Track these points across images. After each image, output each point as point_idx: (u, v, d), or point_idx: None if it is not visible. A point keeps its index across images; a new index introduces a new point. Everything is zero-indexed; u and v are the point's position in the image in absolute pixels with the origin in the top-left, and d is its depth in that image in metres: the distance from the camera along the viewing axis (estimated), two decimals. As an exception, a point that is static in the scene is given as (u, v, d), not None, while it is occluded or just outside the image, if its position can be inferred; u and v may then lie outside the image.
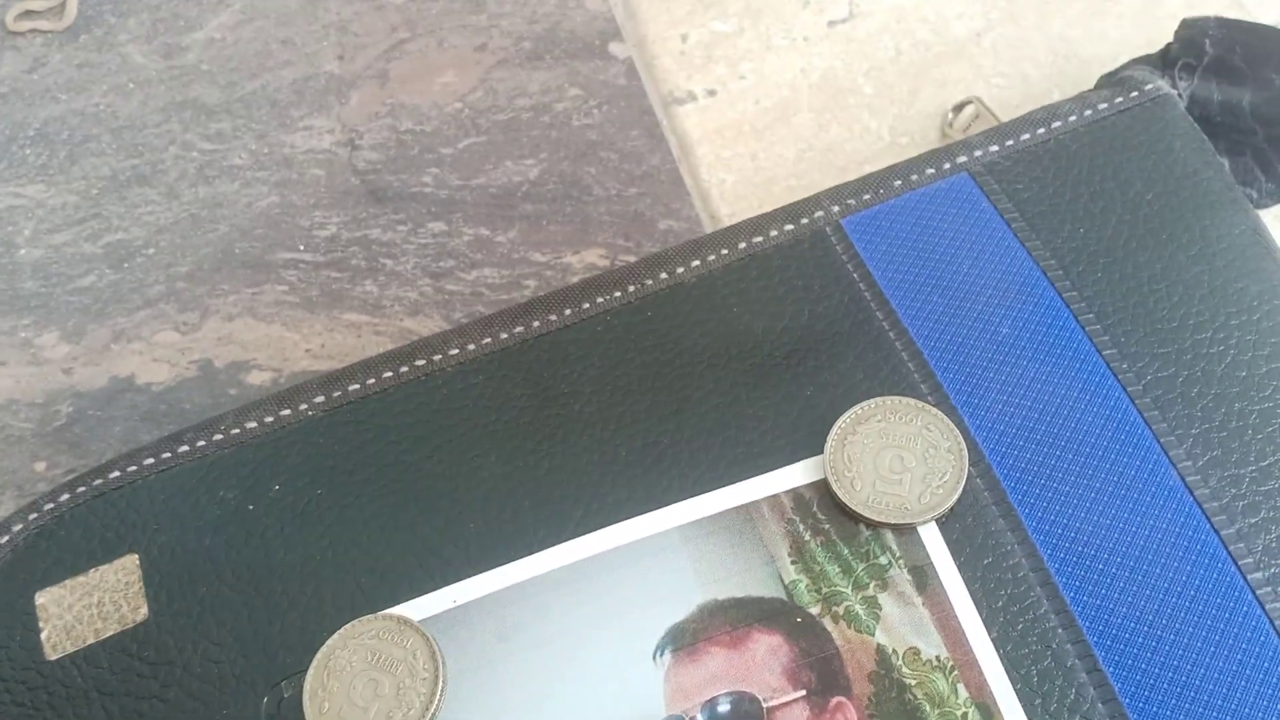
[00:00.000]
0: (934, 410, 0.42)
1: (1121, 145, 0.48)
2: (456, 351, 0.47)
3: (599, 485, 0.43)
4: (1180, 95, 0.50)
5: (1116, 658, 0.38)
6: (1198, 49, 0.50)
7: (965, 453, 0.41)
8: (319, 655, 0.40)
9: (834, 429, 0.42)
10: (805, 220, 0.48)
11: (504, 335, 0.47)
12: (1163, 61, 0.51)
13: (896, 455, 0.41)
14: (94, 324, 0.52)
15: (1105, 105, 0.50)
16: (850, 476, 0.41)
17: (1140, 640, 0.38)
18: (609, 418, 0.44)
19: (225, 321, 0.51)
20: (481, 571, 0.42)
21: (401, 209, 0.53)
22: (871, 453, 0.41)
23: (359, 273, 0.52)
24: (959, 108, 0.56)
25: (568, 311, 0.47)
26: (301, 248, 0.53)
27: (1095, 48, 0.57)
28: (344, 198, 0.54)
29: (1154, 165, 0.48)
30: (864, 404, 0.43)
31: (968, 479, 0.41)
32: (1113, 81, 0.51)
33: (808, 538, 0.41)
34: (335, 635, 0.40)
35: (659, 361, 0.45)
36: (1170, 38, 0.50)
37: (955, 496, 0.40)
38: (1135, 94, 0.50)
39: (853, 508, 0.41)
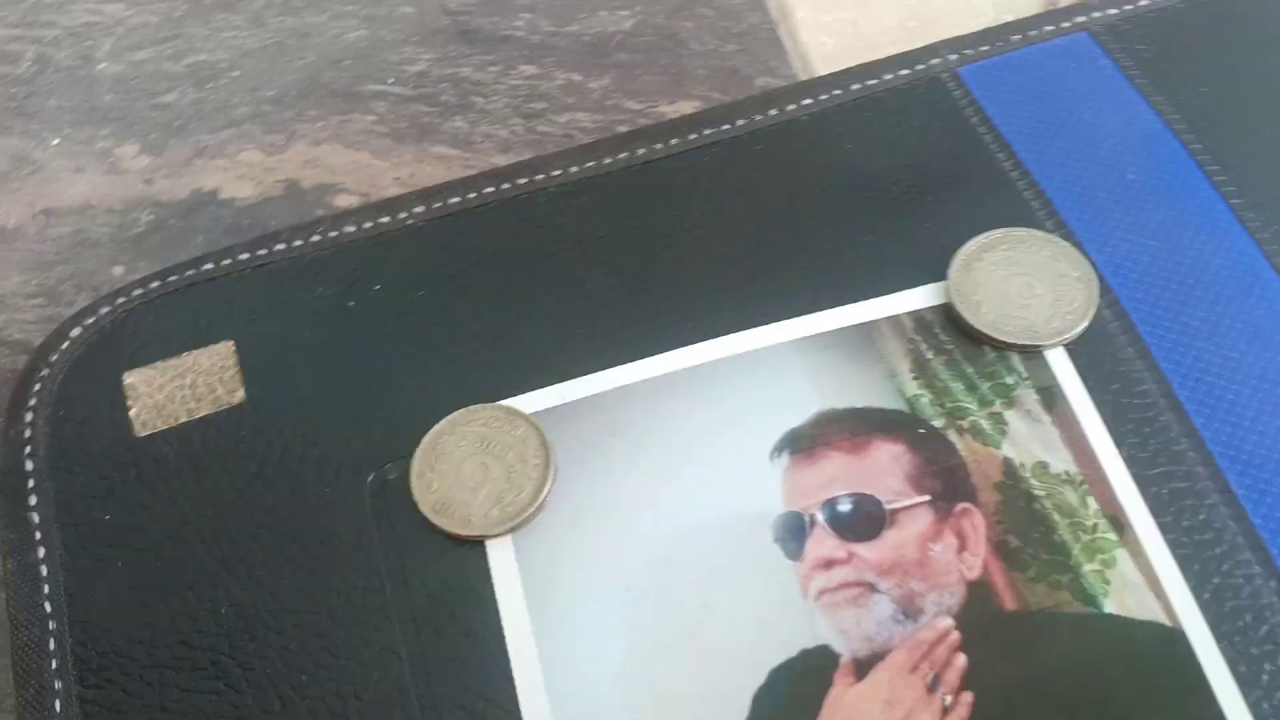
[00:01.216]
0: (1062, 242, 0.43)
1: (1254, 11, 0.49)
2: (559, 173, 0.47)
3: (709, 302, 0.43)
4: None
5: (1249, 481, 0.39)
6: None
7: (1096, 281, 0.42)
8: (426, 439, 0.40)
9: (959, 254, 0.43)
10: (921, 66, 0.49)
11: (607, 160, 0.48)
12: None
13: (1025, 282, 0.42)
14: (176, 139, 0.52)
15: (1233, -29, 0.51)
16: (976, 299, 0.42)
17: (1272, 466, 0.39)
18: (718, 240, 0.45)
19: (312, 146, 0.52)
20: (590, 374, 0.41)
21: (493, 50, 0.54)
22: (998, 278, 0.42)
23: (449, 109, 0.52)
24: (1068, -17, 0.56)
25: (674, 141, 0.48)
26: (390, 81, 0.53)
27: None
28: (434, 36, 0.54)
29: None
30: (990, 233, 0.43)
31: (1096, 310, 0.41)
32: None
33: (930, 356, 0.41)
34: (443, 421, 0.41)
35: (770, 192, 0.46)
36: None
37: (1085, 322, 0.41)
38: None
39: (979, 329, 0.41)
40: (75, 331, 0.44)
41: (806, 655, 0.38)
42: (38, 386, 0.43)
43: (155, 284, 0.45)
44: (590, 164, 0.48)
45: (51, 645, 0.39)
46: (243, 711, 0.37)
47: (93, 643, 0.39)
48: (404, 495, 0.40)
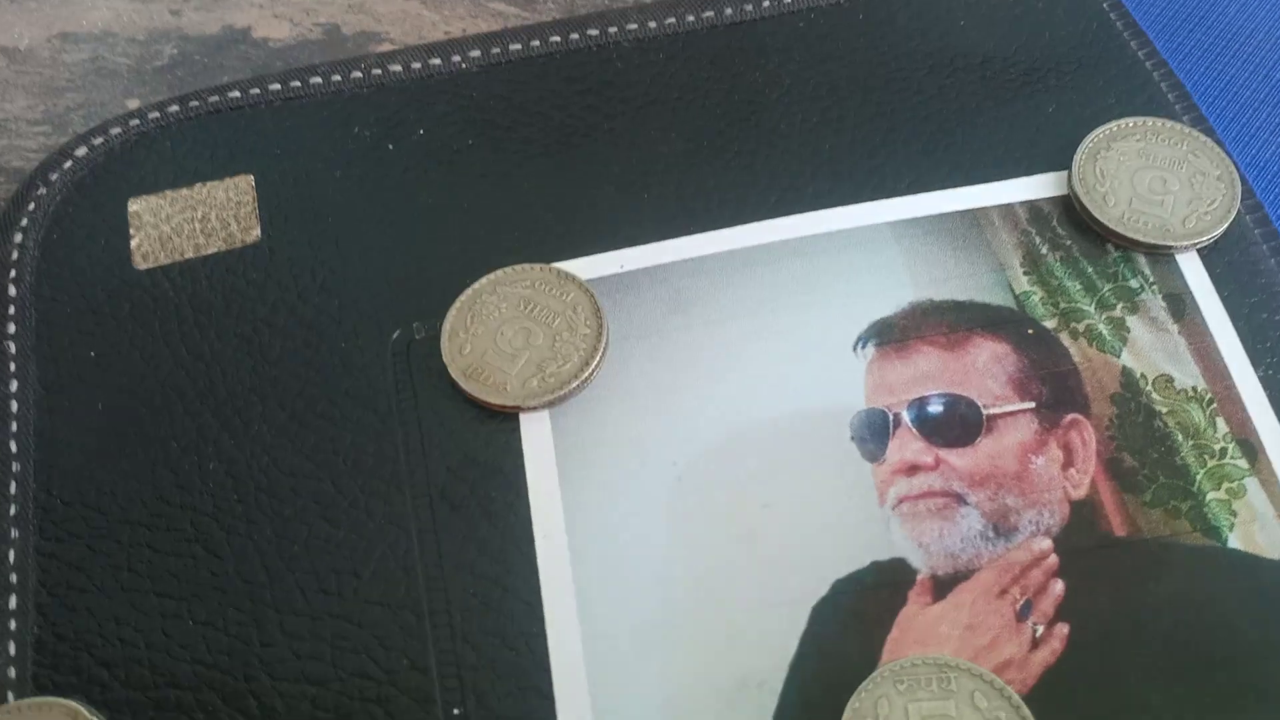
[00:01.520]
0: (1202, 137, 0.38)
1: None
2: (635, 27, 0.43)
3: (798, 175, 0.38)
4: None
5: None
6: None
7: (1238, 182, 0.37)
8: (464, 296, 0.36)
9: (1085, 142, 0.38)
10: (1048, -55, 0.44)
11: (690, 18, 0.43)
12: None
13: (1158, 177, 0.37)
14: (211, -31, 0.47)
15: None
16: (1102, 192, 0.37)
17: None
18: (811, 111, 0.40)
19: (359, -12, 0.46)
20: (654, 242, 0.36)
21: (568, -98, 0.49)
22: (1129, 171, 0.37)
23: (513, -37, 0.47)
24: None
25: (765, 4, 0.43)
26: (452, -73, 0.48)
27: None
28: (506, -120, 0.49)
29: None
30: (1121, 121, 0.39)
31: (1237, 213, 0.36)
32: None
33: (1044, 251, 0.36)
34: (484, 279, 0.36)
35: (871, 62, 0.41)
36: None
37: (1225, 225, 0.37)
38: None
39: (1104, 223, 0.37)
40: (81, 151, 0.40)
41: (878, 568, 0.33)
42: (32, 207, 0.39)
43: (174, 108, 0.41)
44: (671, 20, 0.43)
45: (12, 489, 0.34)
46: (221, 581, 0.32)
47: (59, 490, 0.34)
48: (431, 357, 0.36)
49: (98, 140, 0.40)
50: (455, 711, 0.31)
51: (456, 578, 0.32)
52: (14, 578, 0.33)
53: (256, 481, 0.34)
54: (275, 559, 0.33)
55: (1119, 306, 0.36)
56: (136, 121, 0.40)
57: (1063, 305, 0.36)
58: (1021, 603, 0.32)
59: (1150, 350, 0.35)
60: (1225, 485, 0.33)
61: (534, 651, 0.31)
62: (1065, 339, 0.35)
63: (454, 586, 0.32)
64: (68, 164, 0.39)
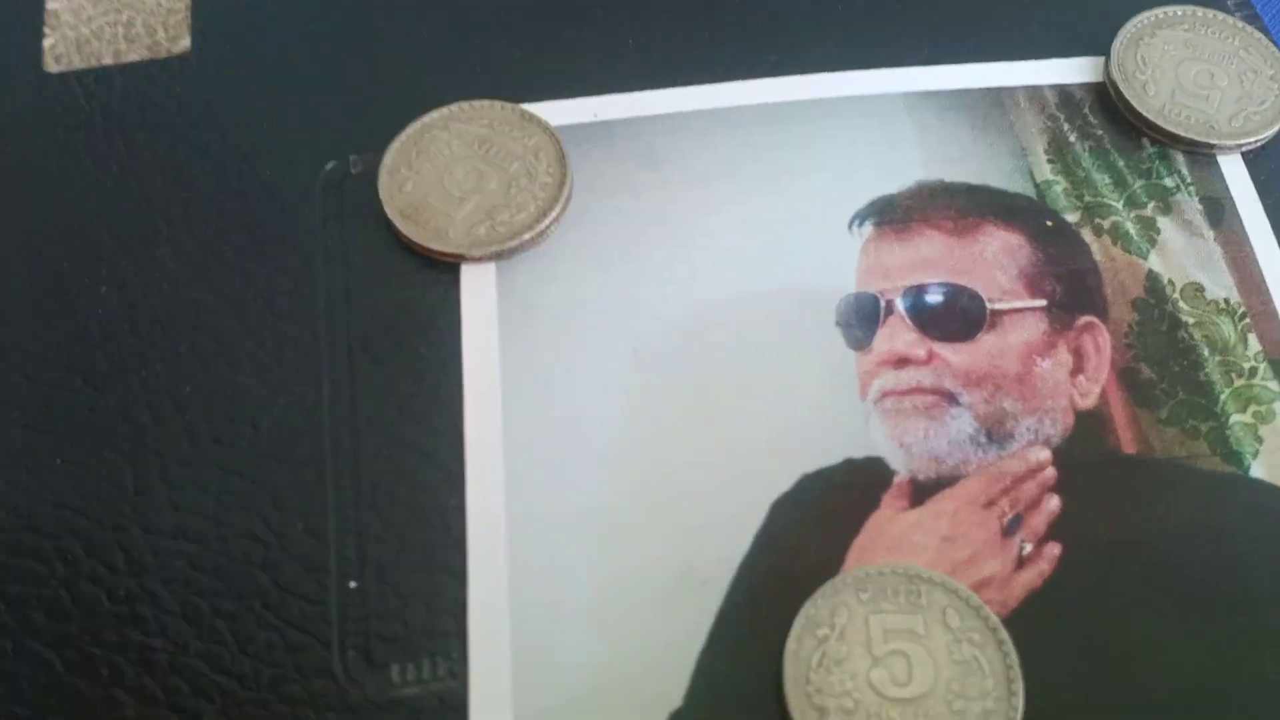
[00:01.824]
0: (1256, 33, 0.35)
1: None
2: None
3: (804, 33, 0.36)
4: None
5: None
6: None
7: (1293, 83, 0.33)
8: (410, 130, 0.33)
9: (1126, 27, 0.35)
10: None
11: None
12: None
13: (1205, 70, 0.34)
14: None
15: None
16: (1142, 80, 0.33)
17: None
18: (825, -29, 0.36)
19: None
20: (633, 91, 0.33)
21: None
22: (1173, 61, 0.34)
23: None
24: None
25: None
26: None
27: None
28: None
29: None
30: (1167, 8, 0.36)
31: (1290, 117, 0.33)
32: None
33: (1072, 139, 0.33)
34: (435, 113, 0.33)
35: (896, -74, 0.37)
36: None
37: (1275, 128, 0.34)
38: None
39: (1143, 114, 0.34)
40: (-4, -58, 0.36)
41: (851, 467, 0.30)
42: (-65, -4, 0.35)
43: (108, -94, 0.37)
44: None
45: None
46: (99, 416, 0.29)
47: (-74, 302, 0.30)
48: (368, 195, 0.32)
49: (17, -68, 0.36)
50: (352, 584, 0.27)
51: (369, 438, 0.29)
52: None
53: (152, 312, 0.30)
54: (163, 399, 0.29)
55: (1150, 205, 0.32)
56: (65, -84, 0.36)
57: (1088, 198, 0.32)
58: (1010, 517, 0.29)
59: (1181, 255, 0.32)
60: (1252, 408, 0.30)
61: (450, 526, 0.28)
62: (1087, 235, 0.32)
63: (366, 447, 0.28)
64: (-18, -46, 0.35)
